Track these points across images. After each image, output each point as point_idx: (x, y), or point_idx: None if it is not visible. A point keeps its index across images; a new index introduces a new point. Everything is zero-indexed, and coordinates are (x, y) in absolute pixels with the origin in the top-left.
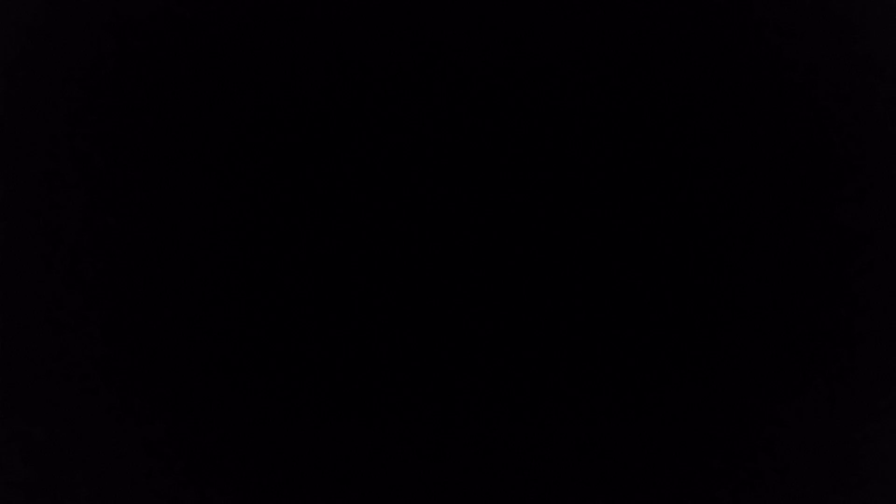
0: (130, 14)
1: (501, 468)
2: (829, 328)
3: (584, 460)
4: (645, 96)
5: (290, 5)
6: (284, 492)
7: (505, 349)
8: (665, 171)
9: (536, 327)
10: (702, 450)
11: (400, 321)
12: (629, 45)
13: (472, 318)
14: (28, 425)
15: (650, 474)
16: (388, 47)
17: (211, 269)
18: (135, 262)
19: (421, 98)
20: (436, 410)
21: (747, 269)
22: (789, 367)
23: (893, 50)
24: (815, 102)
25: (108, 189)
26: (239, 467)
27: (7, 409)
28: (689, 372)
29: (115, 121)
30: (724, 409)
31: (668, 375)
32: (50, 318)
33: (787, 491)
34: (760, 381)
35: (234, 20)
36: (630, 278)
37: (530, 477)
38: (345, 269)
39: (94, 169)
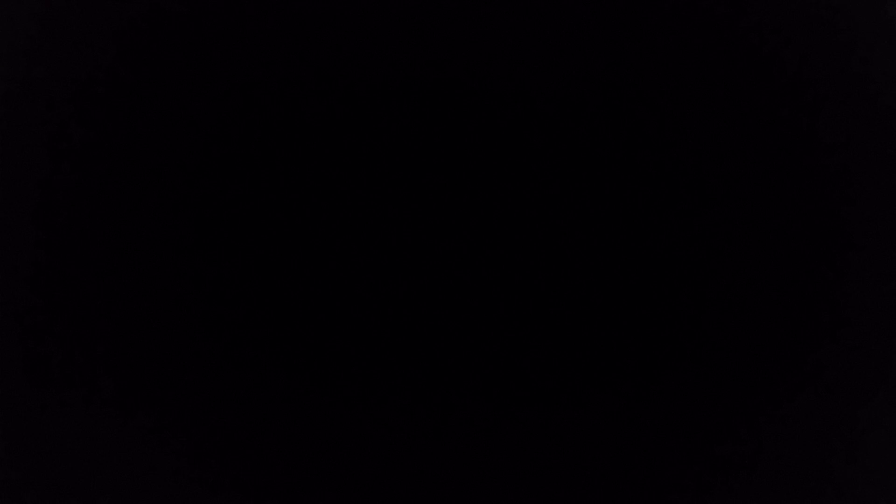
0: (128, 16)
1: (501, 468)
2: (829, 328)
3: (581, 460)
4: (644, 99)
5: (287, 9)
6: (283, 492)
7: (503, 350)
8: (663, 171)
9: (535, 328)
10: (700, 450)
11: (397, 322)
12: (631, 48)
13: (471, 317)
14: (28, 425)
15: (648, 474)
16: (385, 50)
17: (209, 269)
18: (133, 260)
19: (420, 99)
20: (435, 411)
21: (746, 269)
22: (787, 367)
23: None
24: (812, 105)
25: (106, 189)
26: (237, 467)
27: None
28: (687, 372)
29: (113, 121)
30: (723, 408)
31: (666, 375)
32: (47, 315)
33: (787, 490)
34: (759, 380)
35: (233, 22)
36: (629, 278)
37: (530, 477)
38: (342, 270)
39: (92, 168)
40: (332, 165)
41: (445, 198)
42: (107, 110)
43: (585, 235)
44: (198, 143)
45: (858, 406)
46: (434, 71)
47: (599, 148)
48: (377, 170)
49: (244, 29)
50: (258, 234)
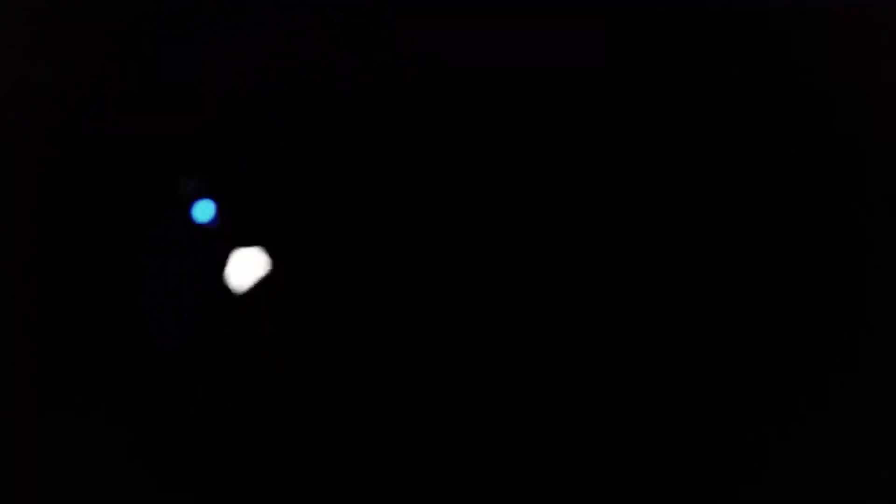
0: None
1: (502, 469)
2: (830, 328)
3: (582, 460)
4: (651, 99)
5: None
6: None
7: (506, 352)
8: (665, 170)
9: (537, 328)
10: (700, 450)
11: (400, 325)
12: (639, 48)
13: (472, 319)
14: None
15: (649, 474)
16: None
17: (209, 270)
18: (132, 260)
19: (419, 101)
20: (436, 411)
21: (747, 270)
22: (789, 367)
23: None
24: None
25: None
26: (238, 468)
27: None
28: (689, 372)
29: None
30: (724, 409)
31: (667, 375)
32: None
33: (787, 491)
34: (760, 380)
35: (232, 19)
36: (631, 278)
37: (530, 478)
38: (344, 271)
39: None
40: (332, 166)
41: (450, 200)
42: (106, 110)
43: (595, 234)
44: (198, 143)
45: (861, 408)
46: (435, 68)
47: (608, 148)
48: (375, 170)
49: (244, 26)
50: (263, 235)
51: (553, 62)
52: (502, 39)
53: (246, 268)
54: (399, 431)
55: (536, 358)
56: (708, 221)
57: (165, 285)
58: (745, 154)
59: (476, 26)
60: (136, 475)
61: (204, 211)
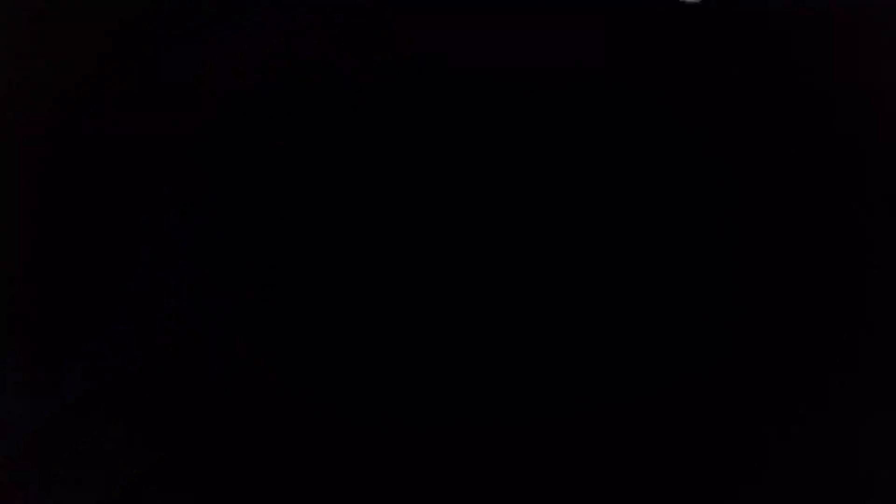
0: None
1: (502, 469)
2: (830, 328)
3: (582, 460)
4: (656, 101)
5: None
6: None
7: (505, 352)
8: (665, 170)
9: (537, 328)
10: (700, 450)
11: (398, 323)
12: (643, 53)
13: (473, 319)
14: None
15: (649, 474)
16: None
17: (210, 269)
18: (132, 260)
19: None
20: (437, 412)
21: (747, 269)
22: (789, 367)
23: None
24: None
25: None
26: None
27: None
28: (689, 372)
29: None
30: (724, 409)
31: (667, 375)
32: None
33: (787, 491)
34: (760, 380)
35: (231, 19)
36: (631, 277)
37: (530, 478)
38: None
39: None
40: (333, 166)
41: (450, 199)
42: (106, 110)
43: (595, 234)
44: (198, 142)
45: (861, 409)
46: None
47: (608, 148)
48: (374, 170)
49: (244, 26)
50: (263, 235)
51: (553, 62)
52: (502, 39)
53: None
54: (399, 431)
55: (536, 358)
56: (708, 221)
57: (165, 284)
58: (745, 154)
59: (476, 26)
60: (135, 475)
61: None
